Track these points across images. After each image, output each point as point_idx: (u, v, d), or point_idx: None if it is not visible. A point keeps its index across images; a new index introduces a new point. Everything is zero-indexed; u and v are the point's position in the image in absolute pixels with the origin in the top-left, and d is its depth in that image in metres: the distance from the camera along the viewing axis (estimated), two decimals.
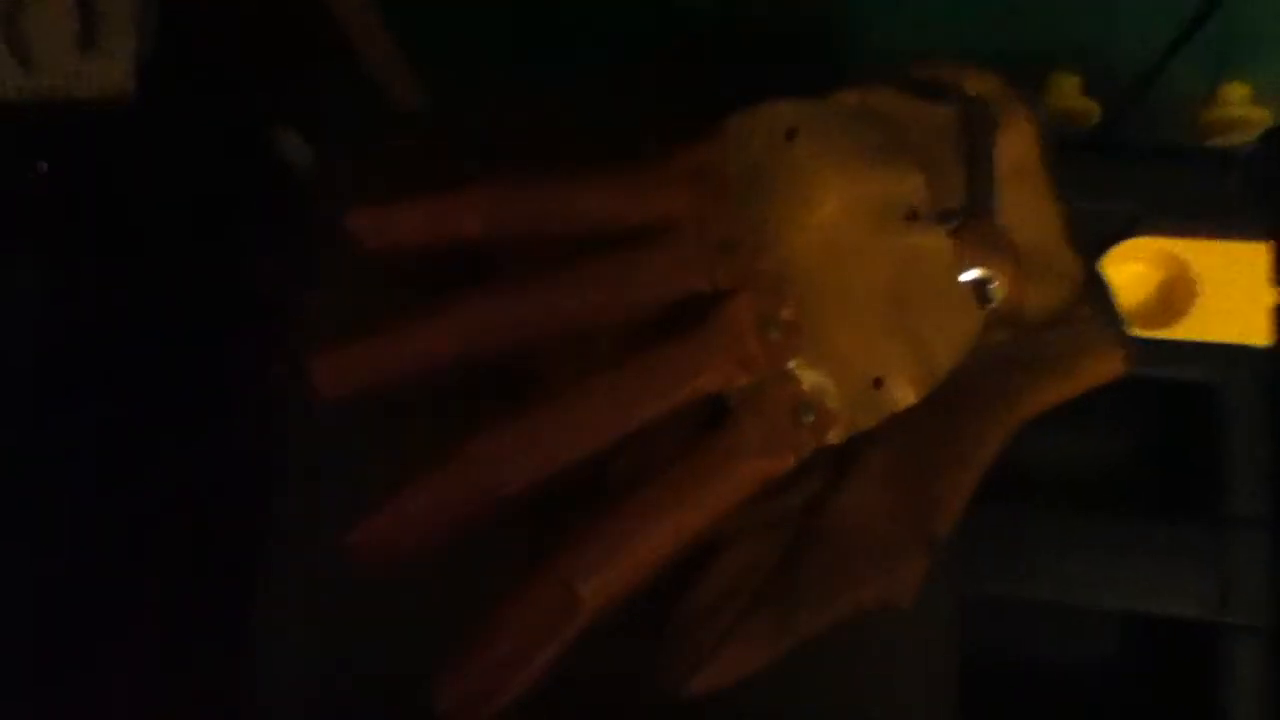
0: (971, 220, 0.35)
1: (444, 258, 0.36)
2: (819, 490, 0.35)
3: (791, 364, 0.34)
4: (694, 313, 0.34)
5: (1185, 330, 0.36)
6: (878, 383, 0.34)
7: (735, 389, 0.34)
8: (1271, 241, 0.38)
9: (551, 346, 0.34)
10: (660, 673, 0.33)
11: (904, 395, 0.34)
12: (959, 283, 0.34)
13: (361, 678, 0.37)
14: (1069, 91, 0.40)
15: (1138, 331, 0.39)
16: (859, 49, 0.45)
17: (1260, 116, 0.41)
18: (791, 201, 0.34)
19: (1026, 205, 0.35)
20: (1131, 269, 0.37)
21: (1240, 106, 0.42)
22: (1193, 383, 0.36)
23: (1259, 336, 0.36)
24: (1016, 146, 0.35)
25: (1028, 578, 0.39)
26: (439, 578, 0.34)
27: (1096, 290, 0.35)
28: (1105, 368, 0.34)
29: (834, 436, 0.34)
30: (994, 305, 0.35)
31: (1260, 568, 0.37)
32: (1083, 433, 0.43)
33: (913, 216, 0.35)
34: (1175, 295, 0.36)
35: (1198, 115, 0.41)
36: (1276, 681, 0.38)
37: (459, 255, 0.36)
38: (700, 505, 0.32)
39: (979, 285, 0.35)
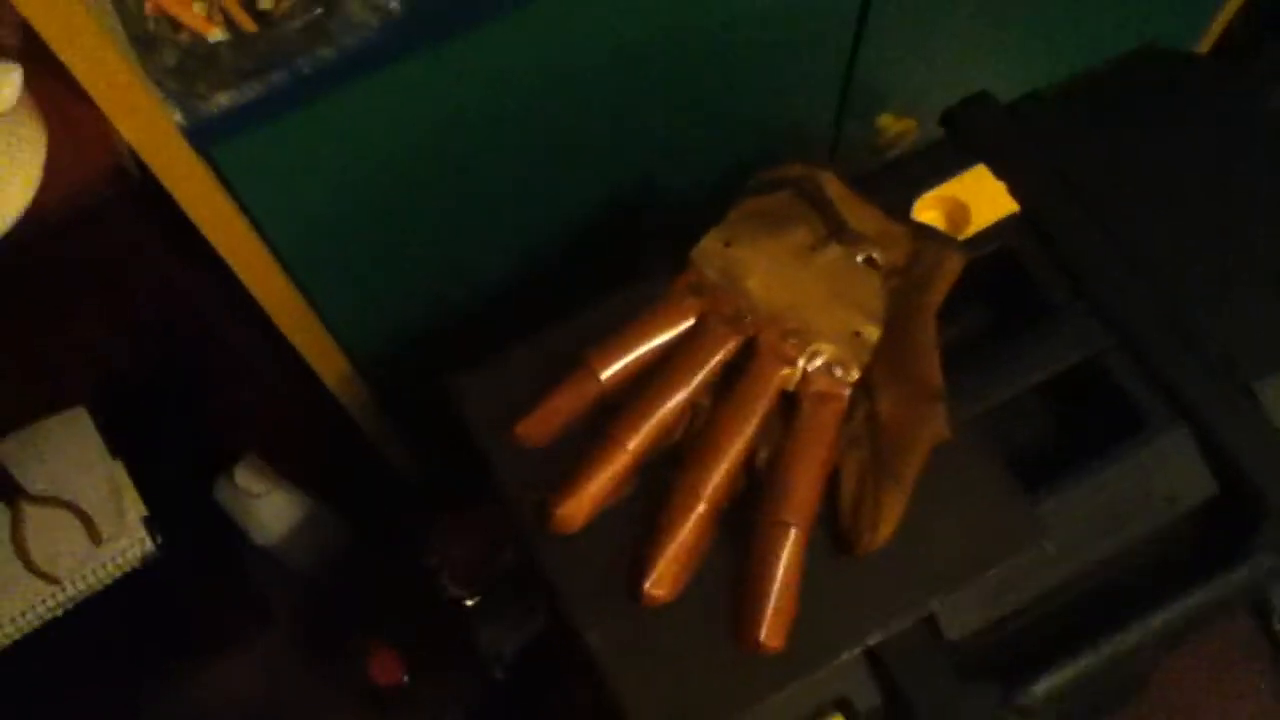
0: (840, 234, 0.60)
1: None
2: (869, 410, 0.57)
3: (811, 349, 0.57)
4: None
5: (973, 230, 0.62)
6: (856, 334, 0.58)
7: (795, 383, 0.57)
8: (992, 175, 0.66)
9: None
10: (850, 545, 0.54)
11: (871, 332, 0.58)
12: (858, 263, 0.59)
13: None
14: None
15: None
16: None
17: (909, 125, 0.70)
18: (753, 275, 0.58)
19: (856, 214, 0.61)
20: (930, 214, 0.63)
21: (895, 125, 0.70)
22: (990, 253, 0.62)
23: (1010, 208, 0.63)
24: (835, 188, 0.60)
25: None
26: None
27: (927, 232, 0.61)
28: (955, 263, 0.59)
29: (855, 372, 0.57)
30: (881, 265, 0.60)
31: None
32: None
33: (814, 248, 0.59)
34: (960, 214, 0.63)
35: (877, 139, 0.70)
36: None
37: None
38: (825, 440, 0.55)
39: (869, 260, 0.60)
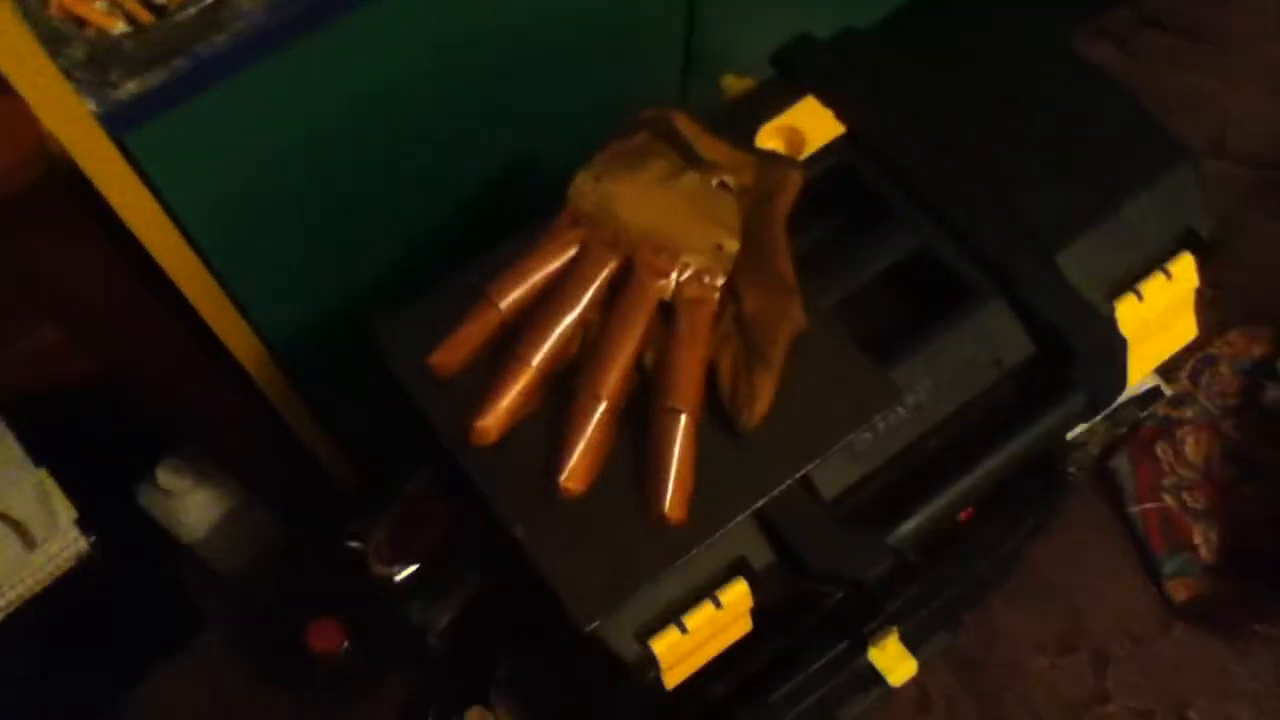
0: (695, 163, 0.69)
1: None
2: (736, 310, 0.66)
3: (680, 262, 0.65)
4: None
5: (809, 151, 0.72)
6: (718, 247, 0.66)
7: (670, 292, 0.65)
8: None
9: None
10: (733, 425, 0.62)
11: (731, 244, 0.66)
12: (713, 187, 0.68)
13: None
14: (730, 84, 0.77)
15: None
16: None
17: (750, 83, 0.79)
18: (623, 203, 0.67)
19: (706, 146, 0.69)
20: (771, 142, 0.72)
21: (737, 84, 0.79)
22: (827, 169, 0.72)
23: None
24: (686, 125, 0.69)
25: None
26: None
27: (769, 155, 0.70)
28: (795, 179, 0.68)
29: (721, 278, 0.66)
30: (733, 188, 0.69)
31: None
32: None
33: (673, 176, 0.68)
34: (797, 140, 0.72)
35: (722, 98, 0.79)
36: None
37: None
38: (700, 337, 0.63)
39: (722, 184, 0.68)
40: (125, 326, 0.82)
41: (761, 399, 0.62)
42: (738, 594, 0.63)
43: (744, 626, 0.68)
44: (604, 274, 0.65)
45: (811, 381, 0.64)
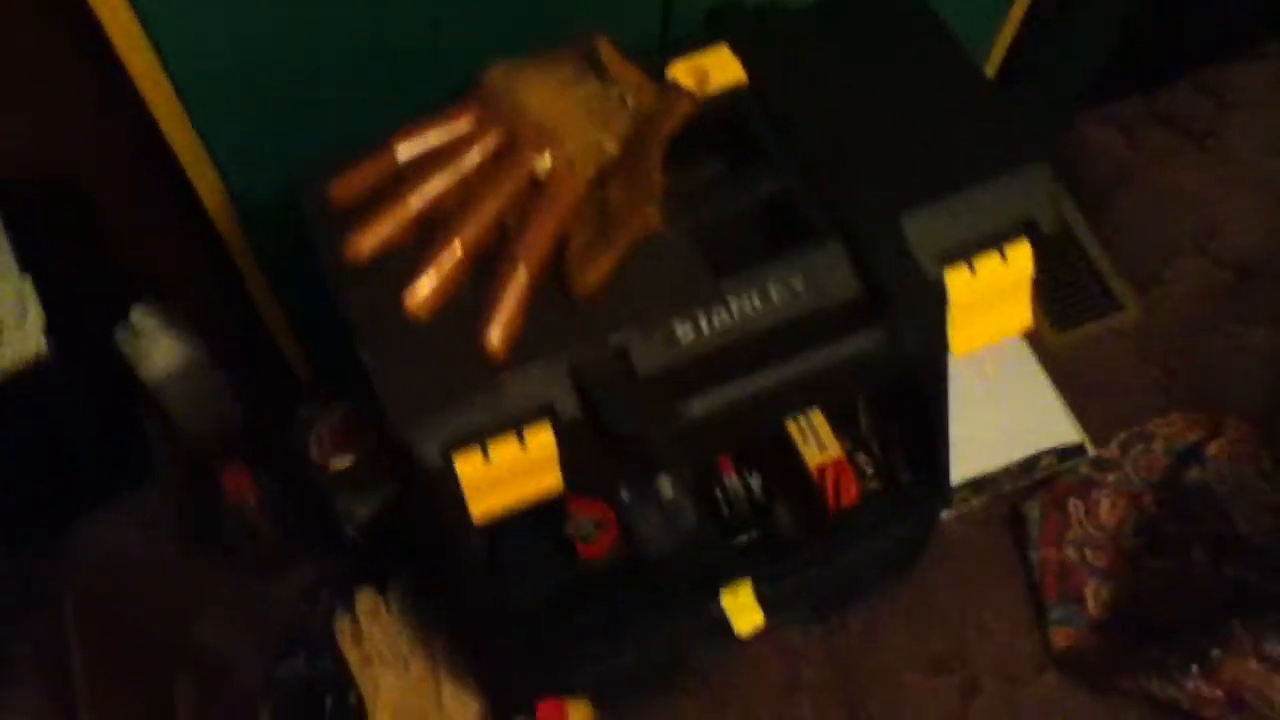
0: (600, 76, 0.78)
1: None
2: (601, 199, 0.75)
3: (559, 146, 0.75)
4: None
5: (710, 90, 0.81)
6: (599, 144, 0.75)
7: (544, 171, 0.74)
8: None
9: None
10: (567, 288, 0.71)
11: (611, 146, 0.75)
12: (611, 98, 0.77)
13: None
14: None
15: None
16: None
17: None
18: (525, 92, 0.76)
19: (619, 69, 0.79)
20: (682, 75, 0.81)
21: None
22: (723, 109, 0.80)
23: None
24: (606, 49, 0.78)
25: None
26: None
27: (672, 85, 0.79)
28: (686, 105, 0.77)
29: (591, 169, 0.75)
30: (629, 105, 0.78)
31: None
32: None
33: (577, 82, 0.77)
34: (702, 78, 0.81)
35: None
36: None
37: None
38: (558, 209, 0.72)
39: (620, 98, 0.78)
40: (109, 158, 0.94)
41: (596, 272, 0.71)
42: (542, 437, 0.71)
43: (553, 480, 0.75)
44: (492, 144, 0.74)
45: (649, 273, 0.73)
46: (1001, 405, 1.36)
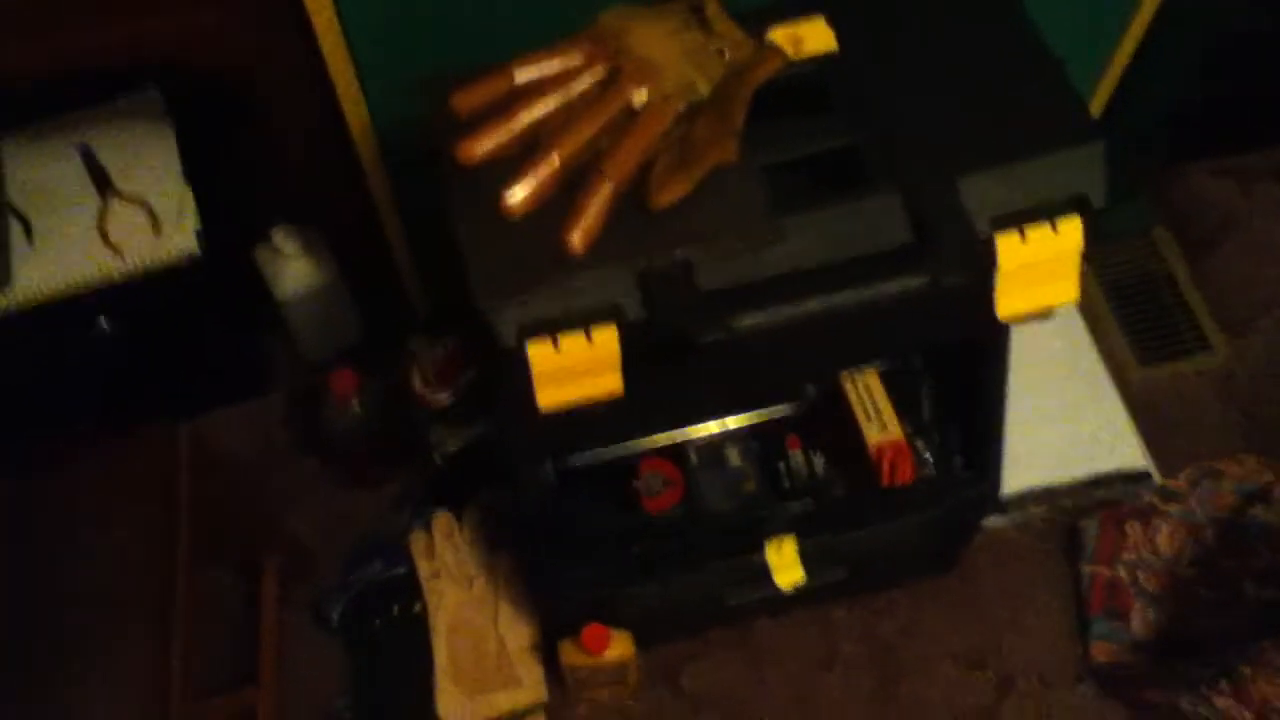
0: (704, 29, 0.87)
1: None
2: (685, 132, 0.84)
3: (656, 82, 0.84)
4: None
5: (808, 52, 0.89)
6: (692, 84, 0.84)
7: (641, 101, 0.84)
8: None
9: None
10: (649, 202, 0.80)
11: (704, 87, 0.84)
12: (710, 50, 0.86)
13: None
14: None
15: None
16: None
17: None
18: (632, 34, 0.86)
19: (723, 26, 0.88)
20: (779, 38, 0.90)
21: None
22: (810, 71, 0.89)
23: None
24: (713, 8, 0.87)
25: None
26: None
27: (767, 44, 0.87)
28: (775, 61, 0.86)
29: (682, 105, 0.84)
30: (726, 58, 0.87)
31: None
32: None
33: (682, 32, 0.87)
34: (797, 44, 0.89)
35: None
36: None
37: None
38: (648, 135, 0.81)
39: (719, 50, 0.87)
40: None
41: (673, 191, 0.80)
42: (607, 335, 0.80)
43: (614, 382, 0.84)
44: (598, 75, 0.84)
45: (719, 200, 0.81)
46: (1074, 424, 1.40)
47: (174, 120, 1.22)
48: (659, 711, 1.28)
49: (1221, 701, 1.14)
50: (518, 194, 0.81)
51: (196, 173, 1.20)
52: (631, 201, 0.81)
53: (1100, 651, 1.29)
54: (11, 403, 1.21)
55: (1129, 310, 1.52)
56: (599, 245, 0.80)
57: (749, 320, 0.78)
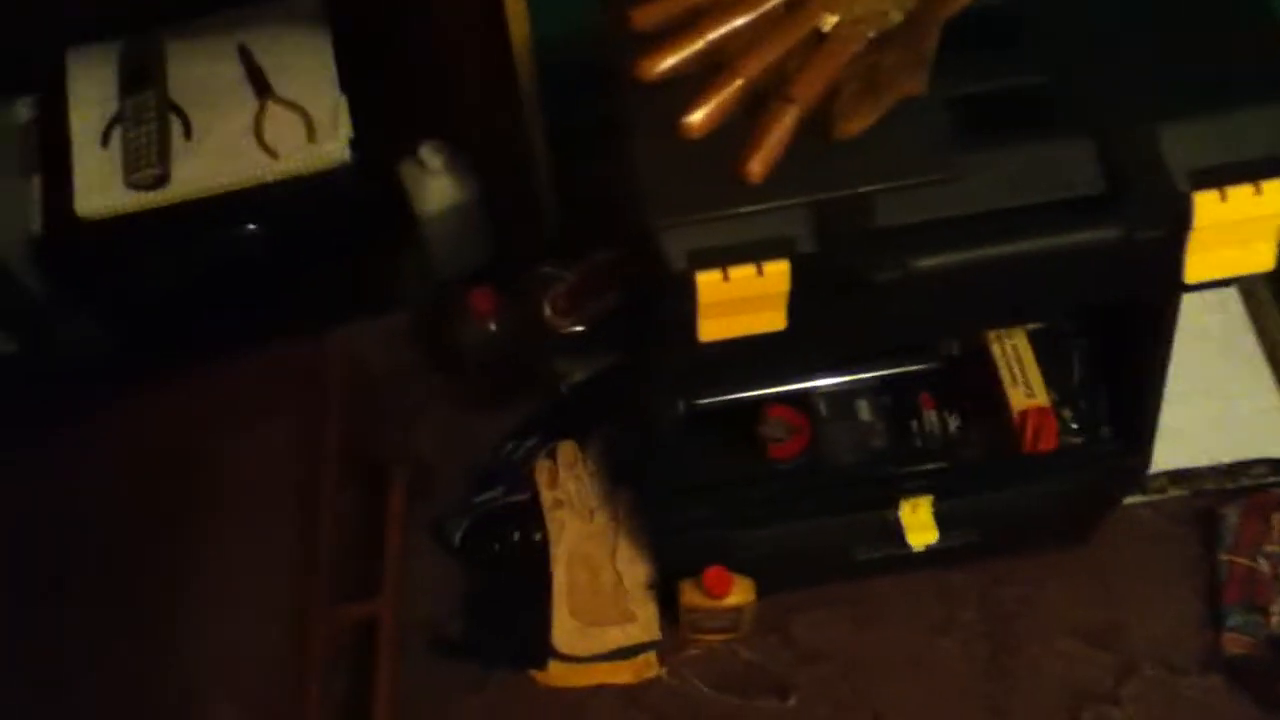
0: None
1: None
2: (875, 60, 0.80)
3: (848, 6, 0.81)
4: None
5: None
6: (885, 13, 0.81)
7: (831, 25, 0.81)
8: None
9: None
10: (829, 132, 0.77)
11: (896, 16, 0.81)
12: None
13: None
14: None
15: None
16: None
17: None
18: None
19: None
20: None
21: None
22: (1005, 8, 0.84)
23: None
24: None
25: None
26: None
27: None
28: None
29: (872, 32, 0.80)
30: None
31: None
32: None
33: None
34: None
35: None
36: None
37: None
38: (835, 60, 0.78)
39: None
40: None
41: (859, 121, 0.77)
42: (779, 269, 0.78)
43: (778, 316, 0.82)
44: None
45: (904, 134, 0.78)
46: (1221, 403, 1.34)
47: (331, 25, 1.22)
48: (769, 660, 1.27)
49: None
50: (698, 114, 0.79)
51: (351, 80, 1.20)
52: (812, 130, 0.79)
53: (1233, 643, 1.25)
54: (163, 300, 1.24)
55: None
56: (777, 174, 0.77)
57: (927, 261, 0.76)
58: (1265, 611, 1.26)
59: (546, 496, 1.33)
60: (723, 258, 0.78)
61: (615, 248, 1.33)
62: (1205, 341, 1.38)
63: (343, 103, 1.23)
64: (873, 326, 0.87)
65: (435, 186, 1.34)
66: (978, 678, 1.26)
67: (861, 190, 0.77)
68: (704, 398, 1.18)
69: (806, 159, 0.78)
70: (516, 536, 1.33)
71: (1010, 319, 1.05)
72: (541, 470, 1.34)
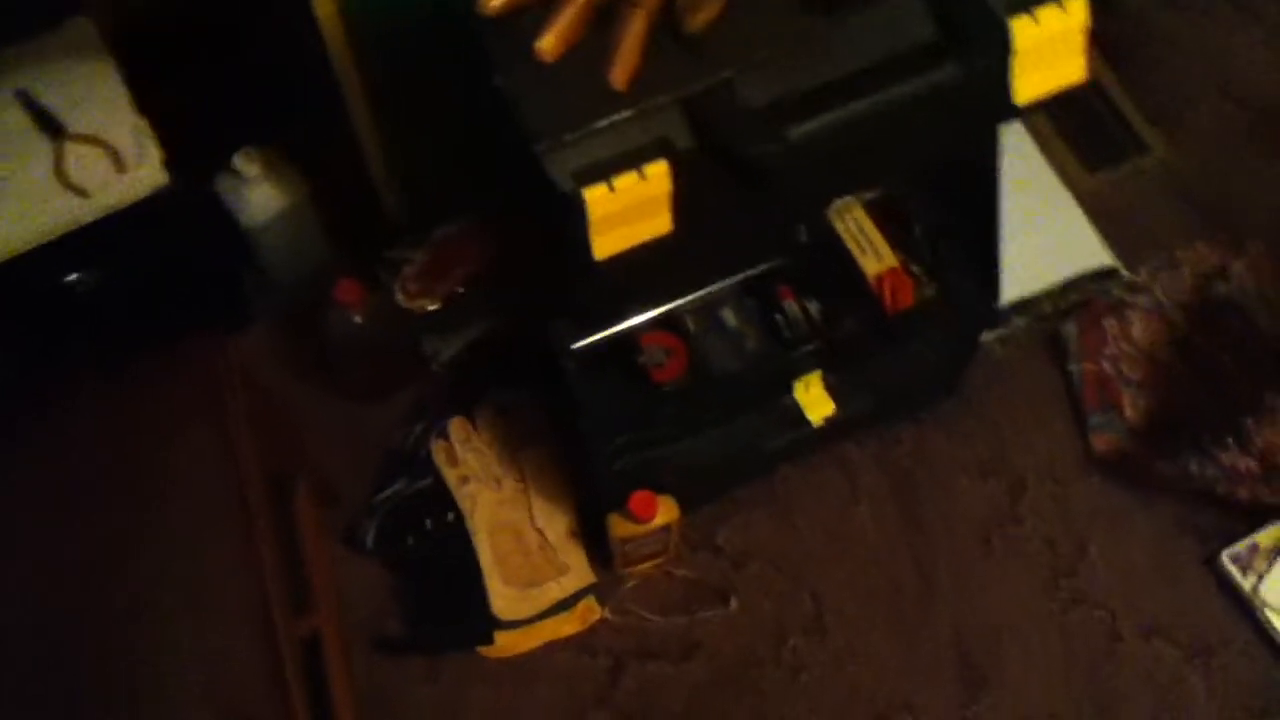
0: None
1: None
2: None
3: None
4: None
5: None
6: None
7: None
8: None
9: None
10: (683, 27, 0.80)
11: None
12: None
13: None
14: None
15: None
16: None
17: None
18: None
19: None
20: None
21: None
22: None
23: None
24: None
25: None
26: None
27: None
28: None
29: None
30: None
31: None
32: None
33: None
34: None
35: None
36: None
37: None
38: None
39: None
40: None
41: (705, 13, 0.80)
42: (659, 170, 0.80)
43: (665, 223, 0.85)
44: None
45: (752, 16, 0.82)
46: (1040, 233, 1.45)
47: (114, 47, 1.16)
48: (703, 573, 1.31)
49: (1228, 458, 1.22)
50: (549, 37, 0.80)
51: (156, 99, 1.15)
52: (666, 32, 0.81)
53: (1101, 442, 1.36)
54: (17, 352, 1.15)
55: (1066, 122, 1.58)
56: (641, 79, 0.80)
57: (801, 129, 0.79)
58: (1120, 407, 1.38)
59: (450, 476, 1.32)
60: (605, 170, 0.80)
61: (480, 207, 1.31)
62: (1009, 180, 1.49)
63: (144, 126, 1.17)
64: (757, 211, 0.91)
65: (256, 195, 1.30)
66: (895, 535, 1.33)
67: (724, 77, 0.80)
68: (582, 339, 1.20)
69: (667, 59, 0.81)
70: (429, 524, 1.31)
71: (879, 176, 1.10)
72: (439, 451, 1.33)
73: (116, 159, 1.16)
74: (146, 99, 1.18)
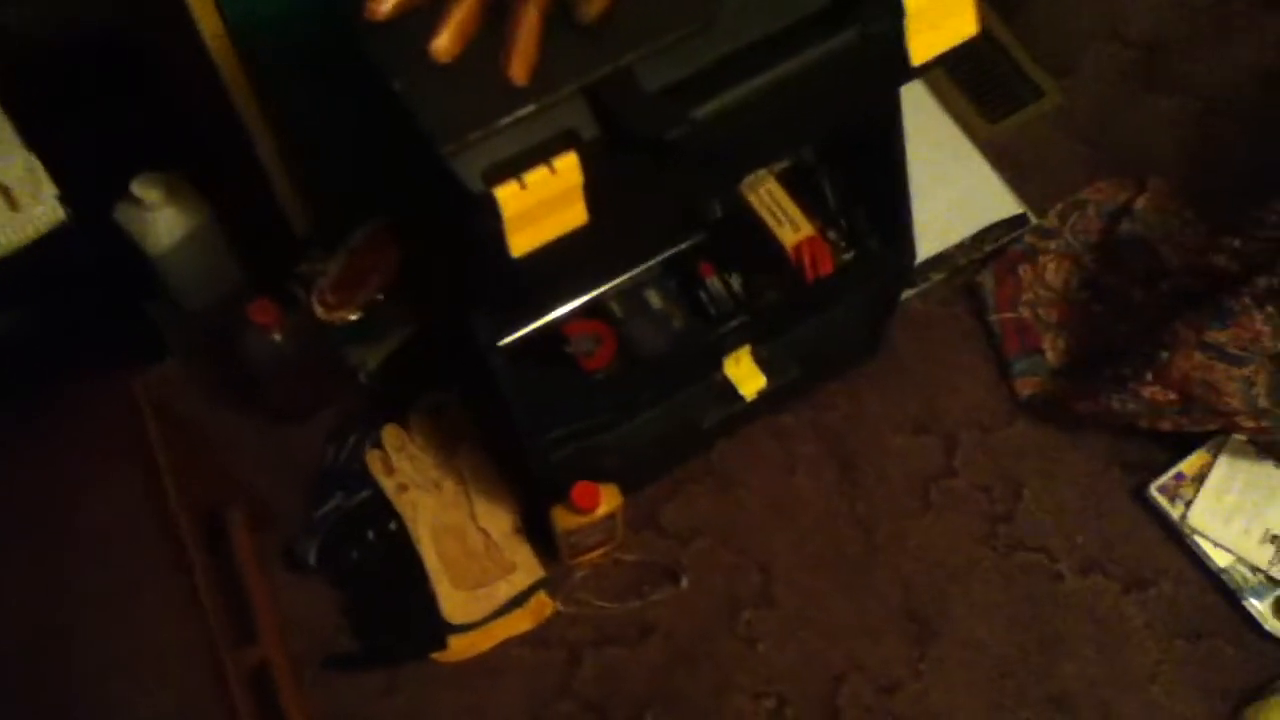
0: None
1: None
2: None
3: None
4: None
5: None
6: None
7: None
8: None
9: None
10: (578, 16, 0.79)
11: None
12: None
13: None
14: None
15: None
16: None
17: None
18: None
19: None
20: None
21: None
22: None
23: None
24: None
25: None
26: None
27: None
28: None
29: None
30: None
31: None
32: None
33: None
34: None
35: None
36: None
37: None
38: None
39: None
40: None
41: (598, 2, 0.79)
42: (568, 162, 0.80)
43: (579, 214, 0.84)
44: None
45: (647, 2, 0.81)
46: (948, 188, 1.48)
47: None
48: (651, 555, 1.31)
49: (1148, 390, 1.25)
50: (443, 37, 0.79)
51: (46, 133, 1.11)
52: (562, 21, 0.81)
53: (1025, 386, 1.40)
54: None
55: (964, 77, 1.60)
56: (541, 72, 0.79)
57: (706, 107, 0.79)
58: (1041, 350, 1.41)
59: (388, 484, 1.31)
60: (515, 167, 0.79)
61: (388, 210, 1.29)
62: (915, 140, 1.51)
63: (34, 161, 1.13)
64: (671, 192, 0.91)
65: (158, 221, 1.27)
66: (835, 498, 1.35)
67: (623, 62, 0.79)
68: (507, 335, 1.19)
69: (564, 49, 0.80)
70: (372, 535, 1.30)
71: (787, 147, 1.11)
72: (374, 461, 1.31)
73: (8, 198, 1.12)
74: (37, 134, 1.13)
